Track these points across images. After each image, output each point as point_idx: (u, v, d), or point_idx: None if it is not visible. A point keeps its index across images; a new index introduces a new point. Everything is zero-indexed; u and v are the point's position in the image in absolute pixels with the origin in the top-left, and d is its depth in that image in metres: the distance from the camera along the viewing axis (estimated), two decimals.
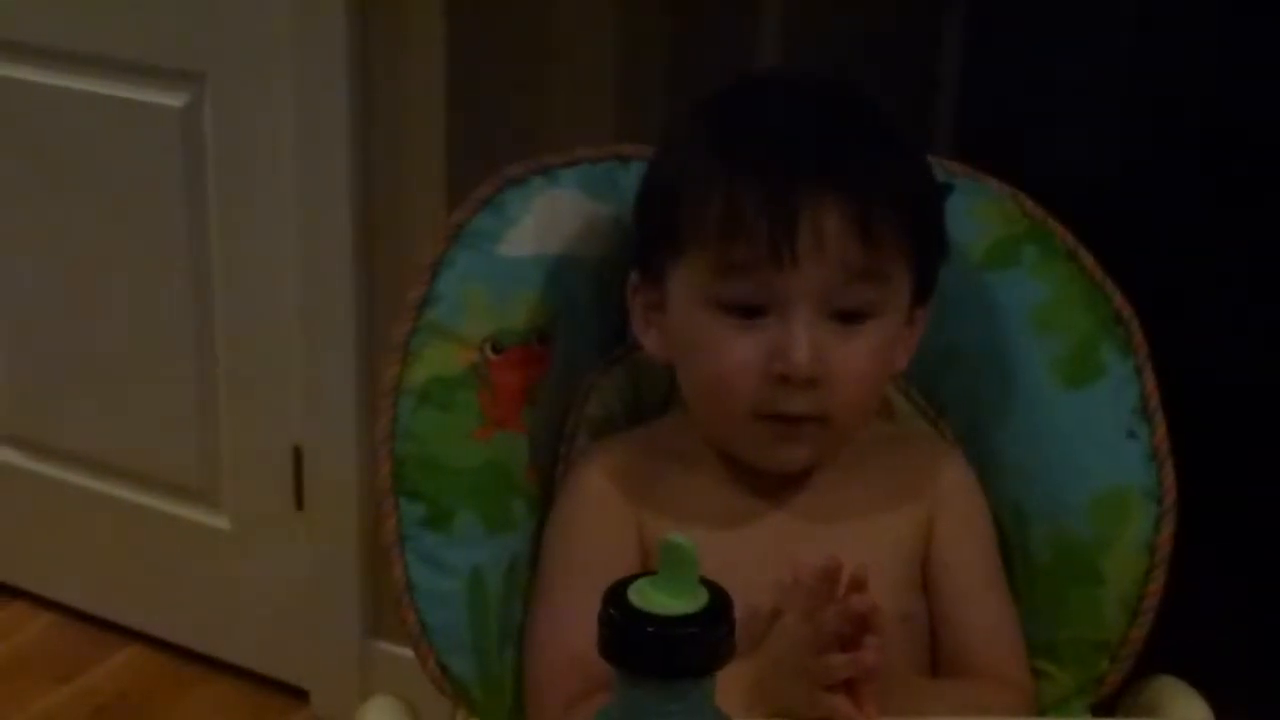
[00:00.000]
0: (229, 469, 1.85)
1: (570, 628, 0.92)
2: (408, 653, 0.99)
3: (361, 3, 1.57)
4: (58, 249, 1.86)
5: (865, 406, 0.96)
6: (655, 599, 0.66)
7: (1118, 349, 1.03)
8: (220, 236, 1.76)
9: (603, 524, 0.97)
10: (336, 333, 1.69)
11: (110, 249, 1.83)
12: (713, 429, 0.96)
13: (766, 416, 0.92)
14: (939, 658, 0.99)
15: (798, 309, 0.90)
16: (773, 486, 0.97)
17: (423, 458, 0.97)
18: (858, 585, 0.86)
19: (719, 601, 0.67)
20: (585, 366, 1.05)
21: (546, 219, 1.03)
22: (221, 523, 1.88)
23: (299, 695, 1.88)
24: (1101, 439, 1.01)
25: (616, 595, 0.67)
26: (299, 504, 1.80)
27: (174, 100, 1.73)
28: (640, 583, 0.67)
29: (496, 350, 1.00)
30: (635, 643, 0.66)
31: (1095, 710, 1.01)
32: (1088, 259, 1.05)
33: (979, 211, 1.05)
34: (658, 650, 0.66)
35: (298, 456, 1.79)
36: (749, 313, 0.91)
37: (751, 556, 0.94)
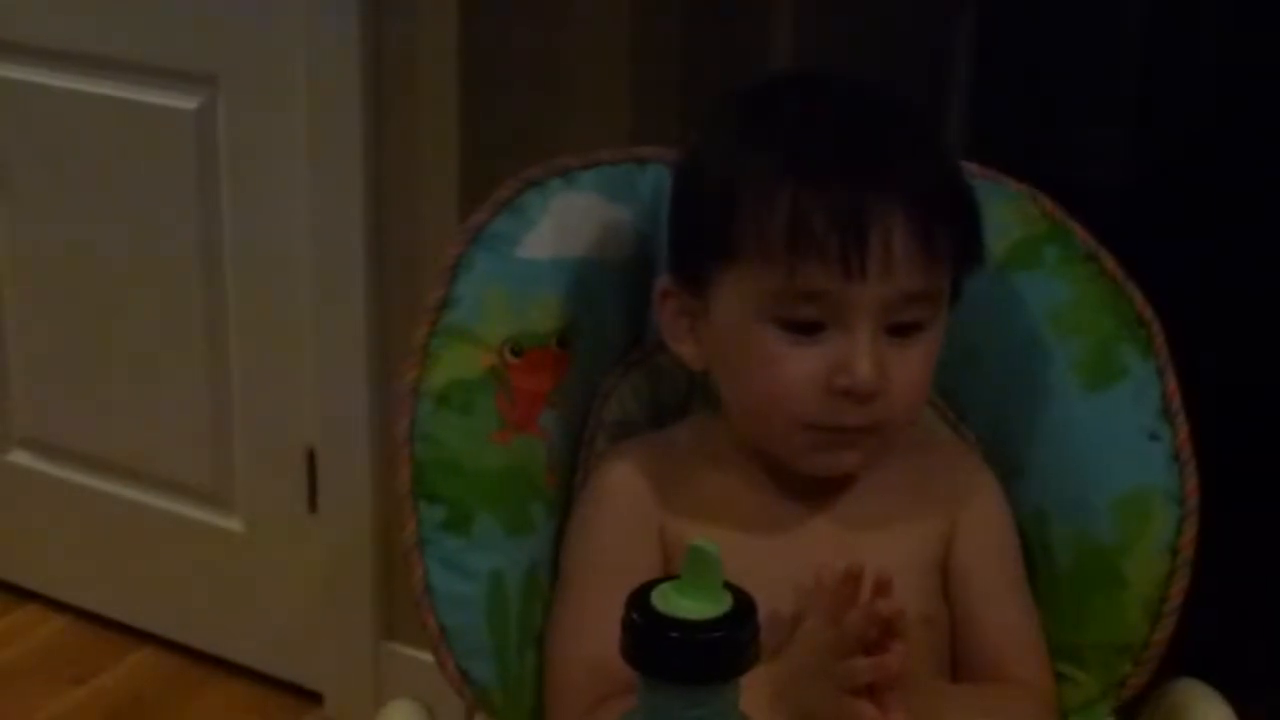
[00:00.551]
0: (242, 471, 1.85)
1: (591, 631, 0.91)
2: (422, 655, 0.98)
3: (375, 4, 1.57)
4: (71, 252, 1.86)
5: (917, 414, 0.97)
6: (679, 603, 0.66)
7: (1139, 350, 1.02)
8: (233, 239, 1.76)
9: (623, 527, 0.96)
10: (349, 335, 1.68)
11: (123, 251, 1.82)
12: (762, 437, 0.95)
13: (823, 428, 0.92)
14: (960, 662, 0.98)
15: (861, 323, 0.89)
16: (797, 490, 0.97)
17: (442, 461, 0.97)
18: (882, 589, 0.85)
19: (743, 606, 0.67)
20: (604, 370, 1.04)
21: (565, 221, 1.03)
22: (235, 525, 1.88)
23: (312, 698, 1.88)
24: (1123, 441, 1.01)
25: (639, 599, 0.67)
26: (312, 506, 1.80)
27: (187, 103, 1.73)
28: (663, 587, 0.67)
29: (516, 353, 1.00)
30: (659, 647, 0.65)
31: (1118, 714, 1.01)
32: (1108, 260, 1.05)
33: (998, 212, 1.04)
34: (681, 655, 0.65)
35: (311, 459, 1.79)
36: (809, 329, 0.90)
37: (774, 560, 0.94)
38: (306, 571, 1.83)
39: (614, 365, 1.05)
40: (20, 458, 2.01)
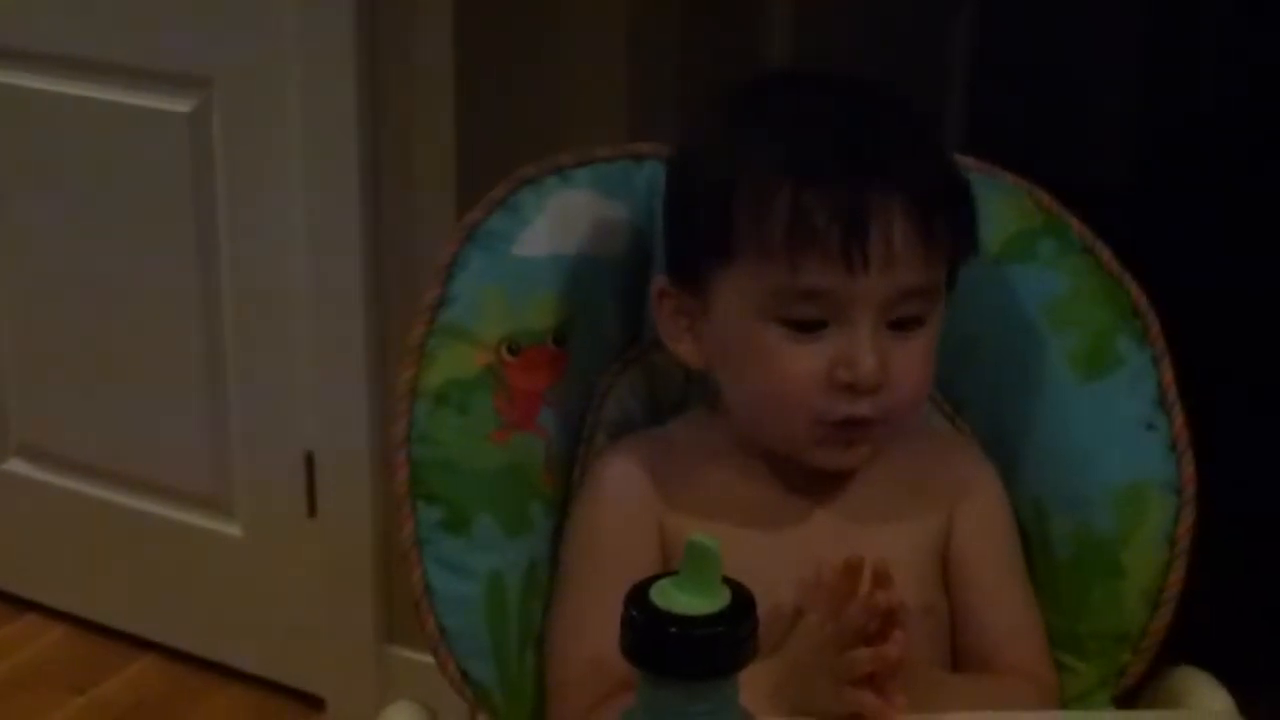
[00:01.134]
0: (241, 477, 1.85)
1: (592, 629, 0.91)
2: (423, 658, 0.98)
3: (369, 5, 1.57)
4: (67, 256, 1.86)
5: (920, 406, 0.97)
6: (678, 599, 0.66)
7: (1135, 341, 1.02)
8: (229, 242, 1.75)
9: (622, 524, 0.96)
10: (347, 338, 1.68)
11: (119, 256, 1.82)
12: (767, 434, 0.95)
13: (829, 423, 0.92)
14: (960, 652, 0.99)
15: (862, 318, 0.89)
16: (796, 483, 0.97)
17: (440, 461, 0.97)
18: (882, 580, 0.85)
19: (742, 600, 0.67)
20: (601, 367, 1.04)
21: (561, 219, 1.03)
22: (234, 530, 1.88)
23: (314, 703, 1.88)
24: (1120, 431, 1.01)
25: (638, 595, 0.67)
26: (312, 511, 1.80)
27: (182, 106, 1.73)
28: (663, 583, 0.67)
29: (513, 352, 1.00)
30: (658, 643, 0.66)
31: (1118, 702, 1.01)
32: (1104, 252, 1.05)
33: (995, 206, 1.04)
34: (681, 651, 0.65)
35: (310, 463, 1.78)
36: (811, 326, 0.90)
37: (774, 554, 0.94)
38: (307, 576, 1.82)
39: (611, 363, 1.05)
40: (18, 466, 2.01)
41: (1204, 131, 2.77)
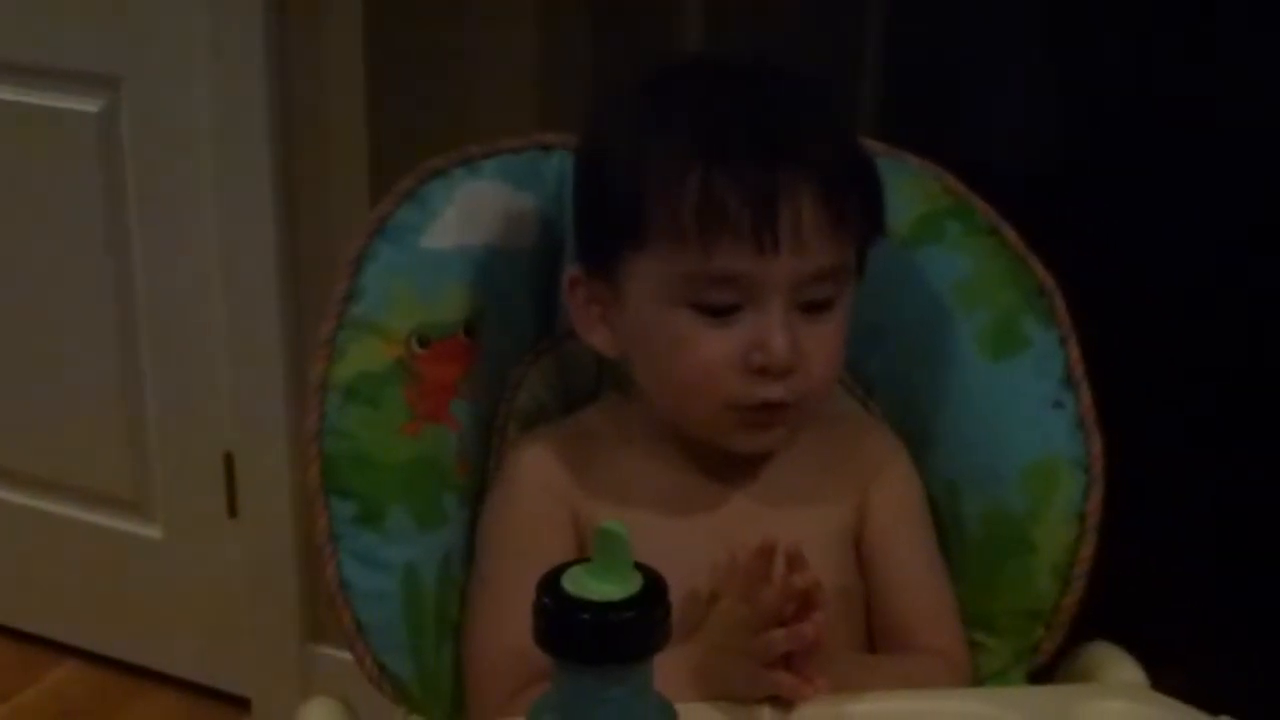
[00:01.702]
0: (160, 478, 1.84)
1: (509, 618, 0.91)
2: (349, 656, 0.98)
3: (279, 2, 1.56)
4: None
5: (832, 387, 0.98)
6: (589, 585, 0.66)
7: (1041, 321, 1.03)
8: (141, 243, 1.74)
9: (537, 513, 0.96)
10: (263, 336, 1.67)
11: (30, 259, 1.80)
12: (683, 420, 0.96)
13: (745, 407, 0.92)
14: (876, 632, 0.99)
15: (773, 301, 0.90)
16: (711, 468, 0.97)
17: (352, 454, 0.96)
18: (797, 563, 0.86)
19: (653, 585, 0.67)
20: (513, 358, 1.04)
21: (469, 210, 1.02)
22: (155, 533, 1.86)
23: (241, 704, 1.87)
24: (1028, 410, 1.02)
25: (550, 583, 0.67)
26: (232, 511, 1.79)
27: (90, 106, 1.71)
28: (574, 570, 0.67)
29: (423, 344, 0.99)
30: (570, 630, 0.66)
31: (1032, 678, 1.02)
32: (1009, 233, 1.06)
33: (901, 189, 1.05)
34: (593, 637, 0.66)
35: (229, 463, 1.77)
36: (723, 310, 0.91)
37: (690, 538, 0.94)
38: (229, 576, 1.81)
39: (524, 353, 1.05)
40: None
41: (1117, 115, 2.80)
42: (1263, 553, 1.37)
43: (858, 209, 0.93)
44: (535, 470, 0.98)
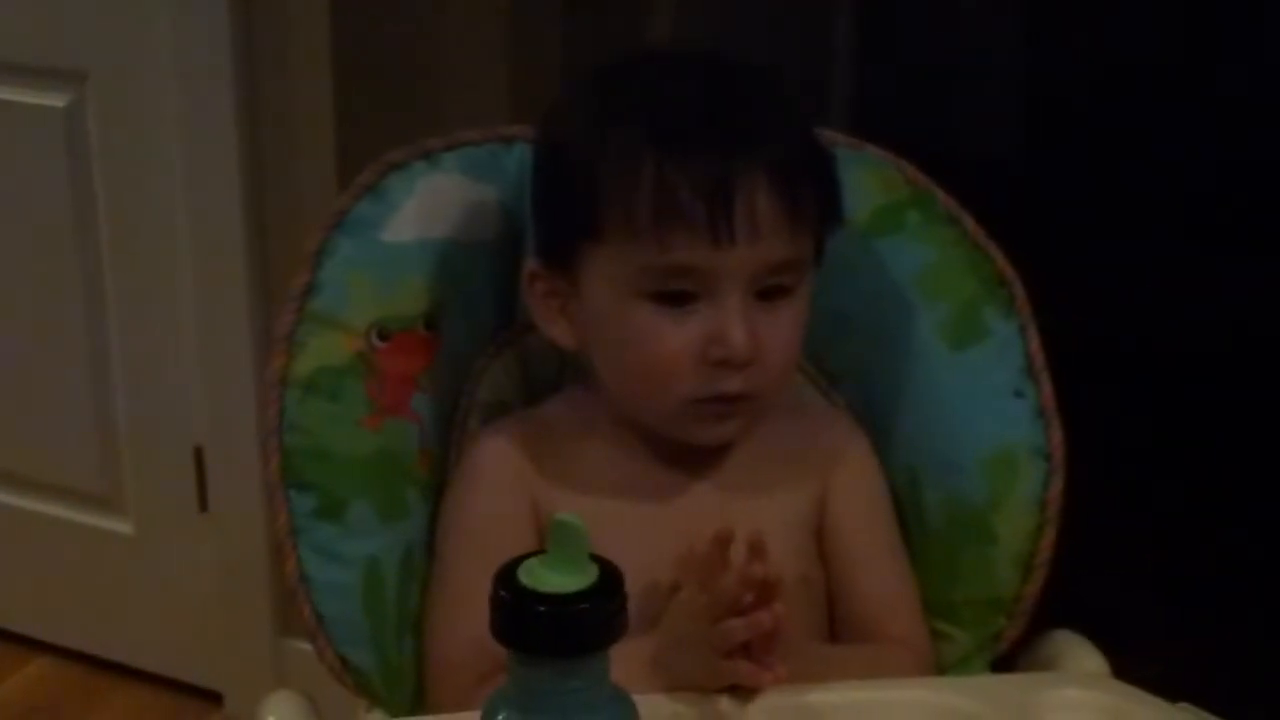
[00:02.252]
0: (130, 474, 1.83)
1: (469, 610, 0.89)
2: None
3: None
4: None
5: (790, 377, 0.98)
6: (546, 578, 0.66)
7: (1000, 310, 1.04)
8: (109, 237, 1.73)
9: (497, 505, 0.96)
10: (232, 331, 1.67)
11: None
12: (642, 412, 0.96)
13: (704, 399, 0.92)
14: (837, 622, 0.99)
15: (730, 292, 0.90)
16: (672, 458, 0.97)
17: (312, 448, 0.96)
18: (757, 552, 0.86)
19: (610, 577, 0.67)
20: (474, 351, 1.04)
21: (429, 203, 1.02)
22: (125, 528, 1.85)
23: (213, 698, 1.86)
24: (988, 399, 1.02)
25: (507, 576, 0.67)
26: (203, 506, 1.79)
27: (56, 100, 1.70)
28: (530, 562, 0.67)
29: (383, 337, 0.99)
30: (526, 622, 0.66)
31: (995, 667, 1.02)
32: (969, 223, 1.06)
33: (861, 179, 1.05)
34: (549, 629, 0.66)
35: (199, 458, 1.77)
36: (680, 300, 0.91)
37: (651, 528, 0.94)
38: (200, 571, 1.81)
39: (485, 346, 1.05)
40: None
41: (1087, 106, 2.82)
42: (1223, 542, 1.38)
43: (814, 199, 0.92)
44: (495, 462, 0.98)
